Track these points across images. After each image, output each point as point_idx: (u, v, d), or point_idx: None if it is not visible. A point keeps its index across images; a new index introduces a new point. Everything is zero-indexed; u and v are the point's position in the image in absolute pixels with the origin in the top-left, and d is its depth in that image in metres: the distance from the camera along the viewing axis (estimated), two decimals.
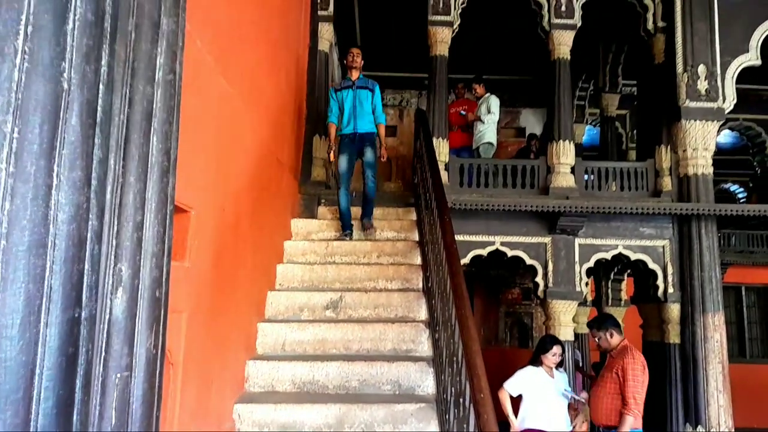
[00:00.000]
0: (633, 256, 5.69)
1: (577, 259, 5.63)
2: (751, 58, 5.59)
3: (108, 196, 1.11)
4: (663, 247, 5.68)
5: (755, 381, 10.72)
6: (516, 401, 4.31)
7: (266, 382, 3.22)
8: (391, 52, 8.67)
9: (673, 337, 5.59)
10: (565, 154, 5.65)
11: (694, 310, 5.42)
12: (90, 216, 1.02)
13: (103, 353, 1.14)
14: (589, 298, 8.12)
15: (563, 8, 5.79)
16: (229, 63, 2.94)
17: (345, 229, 4.66)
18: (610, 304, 8.13)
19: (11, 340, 0.86)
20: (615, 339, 4.06)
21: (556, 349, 4.31)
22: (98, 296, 1.07)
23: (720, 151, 7.31)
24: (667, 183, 5.72)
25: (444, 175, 5.37)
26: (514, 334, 10.06)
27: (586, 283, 5.79)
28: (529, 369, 4.33)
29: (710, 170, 5.60)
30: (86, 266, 1.01)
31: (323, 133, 5.64)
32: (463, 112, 6.68)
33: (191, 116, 2.16)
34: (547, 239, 5.63)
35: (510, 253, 5.65)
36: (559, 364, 4.42)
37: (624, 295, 8.17)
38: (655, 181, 5.81)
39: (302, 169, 5.48)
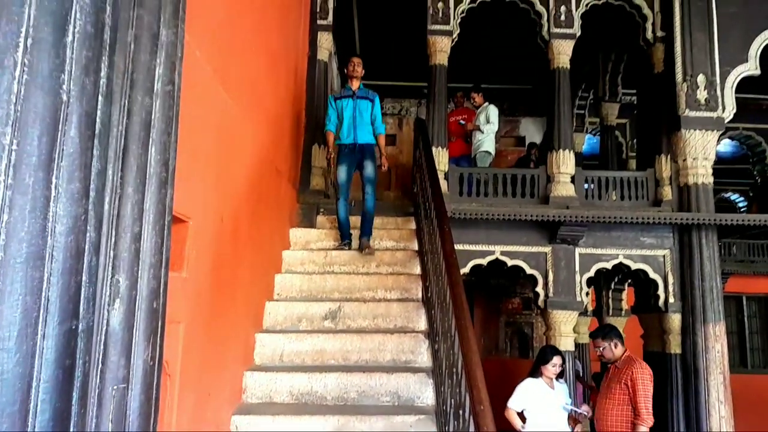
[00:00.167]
0: (633, 266, 5.68)
1: (577, 268, 5.62)
2: (750, 67, 5.61)
3: (106, 207, 1.11)
4: (663, 256, 5.67)
5: (757, 391, 10.66)
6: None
7: (264, 394, 3.21)
8: (391, 61, 8.71)
9: (674, 347, 5.57)
10: (565, 163, 5.65)
11: (695, 320, 5.41)
12: (88, 227, 1.01)
13: (100, 365, 1.14)
14: (590, 308, 8.09)
15: (563, 18, 5.83)
16: (228, 73, 2.95)
17: (344, 238, 4.66)
18: (610, 314, 8.10)
19: (8, 353, 0.85)
20: (619, 349, 4.08)
21: (557, 359, 4.29)
22: (95, 308, 1.07)
23: (720, 160, 7.32)
24: (668, 192, 5.72)
25: (443, 185, 5.37)
26: (514, 344, 10.01)
27: (587, 293, 5.77)
28: (529, 381, 4.30)
29: (710, 179, 5.61)
30: (84, 278, 1.01)
31: (322, 142, 5.65)
32: (462, 122, 6.70)
33: (190, 126, 2.16)
34: (547, 249, 5.63)
35: (510, 262, 5.64)
36: (560, 375, 4.40)
37: (625, 305, 8.14)
38: (656, 191, 5.81)
39: (301, 179, 5.48)
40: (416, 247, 4.65)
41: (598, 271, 5.82)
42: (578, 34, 5.84)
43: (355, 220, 4.74)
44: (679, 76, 5.60)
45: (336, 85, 7.65)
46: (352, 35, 7.90)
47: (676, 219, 5.40)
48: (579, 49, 5.99)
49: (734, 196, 14.00)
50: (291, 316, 3.81)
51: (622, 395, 3.89)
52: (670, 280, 5.60)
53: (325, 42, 5.96)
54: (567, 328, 5.55)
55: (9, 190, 0.87)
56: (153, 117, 1.26)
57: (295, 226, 5.02)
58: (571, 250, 5.63)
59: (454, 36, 5.88)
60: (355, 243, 4.63)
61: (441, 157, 5.60)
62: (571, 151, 5.74)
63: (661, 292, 5.62)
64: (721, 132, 5.62)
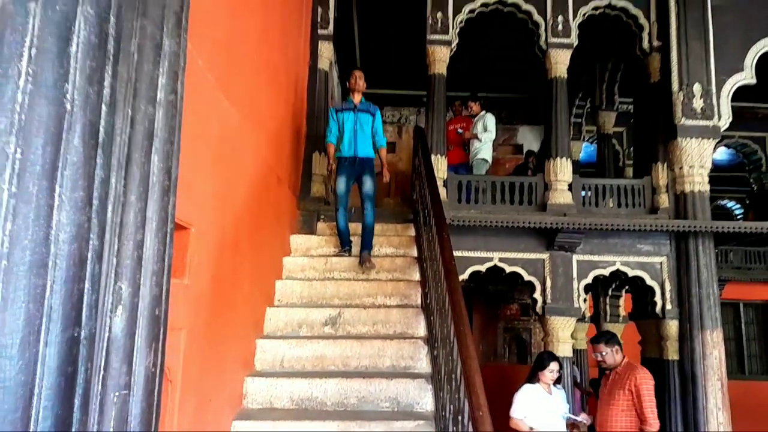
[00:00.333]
0: (631, 273, 5.70)
1: (575, 275, 5.64)
2: (746, 76, 5.66)
3: (109, 215, 1.12)
4: (660, 263, 5.69)
5: (754, 398, 10.66)
6: None
7: (265, 399, 3.20)
8: (390, 70, 8.76)
9: (672, 353, 5.58)
10: (562, 171, 5.68)
11: (693, 327, 5.42)
12: (91, 236, 1.02)
13: (102, 372, 1.14)
14: (588, 315, 8.11)
15: (560, 27, 5.87)
16: (230, 81, 2.97)
17: (344, 245, 4.67)
18: (608, 320, 8.12)
19: (11, 360, 0.86)
20: (619, 356, 4.12)
21: (554, 365, 4.29)
22: (98, 315, 1.08)
23: (716, 168, 7.37)
24: (664, 200, 5.75)
25: (442, 192, 5.39)
26: (512, 350, 10.01)
27: (584, 300, 5.80)
28: (527, 387, 4.29)
29: (707, 187, 5.64)
30: (86, 285, 1.01)
31: (322, 149, 5.68)
32: (460, 131, 6.74)
33: (192, 134, 2.18)
34: (545, 255, 5.64)
35: (508, 269, 5.66)
36: (557, 381, 4.40)
37: (622, 312, 8.16)
38: (652, 198, 5.84)
39: (302, 186, 5.50)
40: (415, 254, 4.66)
41: (596, 278, 5.84)
42: (575, 43, 5.89)
43: (355, 227, 4.75)
44: (675, 86, 5.64)
45: (337, 94, 7.69)
46: (352, 45, 7.95)
47: (672, 226, 5.43)
48: (576, 58, 6.04)
49: (731, 204, 14.04)
50: (291, 322, 3.82)
51: (626, 401, 3.92)
52: (668, 286, 5.62)
53: (326, 51, 6.00)
54: (565, 334, 5.56)
55: (13, 199, 0.88)
56: (156, 126, 1.27)
57: (295, 232, 5.03)
58: (569, 257, 5.65)
59: (452, 46, 5.92)
60: (355, 250, 4.64)
61: (440, 165, 5.63)
62: (569, 159, 5.77)
63: (658, 298, 5.64)
64: (717, 140, 5.66)
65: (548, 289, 5.60)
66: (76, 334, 0.98)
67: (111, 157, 1.12)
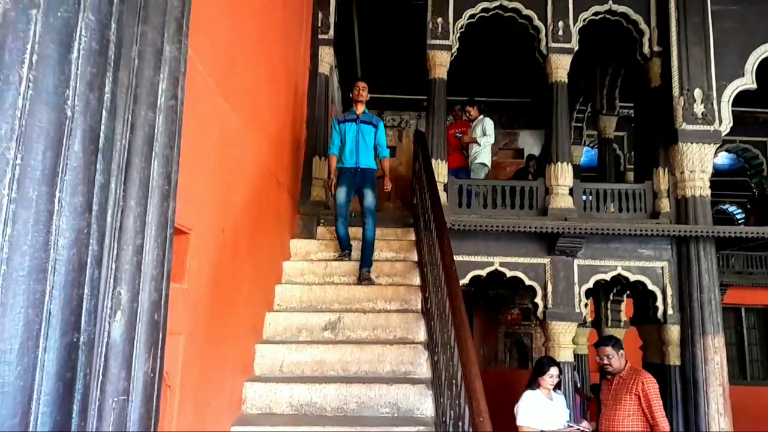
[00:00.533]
0: (632, 278, 5.70)
1: (576, 280, 5.63)
2: (746, 81, 5.66)
3: (109, 220, 1.12)
4: (662, 268, 5.68)
5: (756, 403, 10.62)
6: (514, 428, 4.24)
7: (264, 404, 3.20)
8: (391, 75, 8.78)
9: (673, 358, 5.56)
10: (563, 175, 5.68)
11: (694, 332, 5.41)
12: (90, 241, 1.02)
13: (101, 377, 1.14)
14: (589, 320, 8.08)
15: (560, 33, 5.88)
16: (230, 86, 2.98)
17: (344, 249, 4.66)
18: (609, 325, 8.09)
19: (9, 366, 0.86)
20: (623, 360, 4.13)
21: (553, 370, 4.27)
22: (97, 320, 1.07)
23: (717, 172, 7.37)
24: (665, 204, 5.75)
25: (443, 196, 5.39)
26: (513, 355, 9.99)
27: (586, 304, 5.78)
28: (528, 394, 4.27)
29: (708, 192, 5.64)
30: (86, 291, 1.01)
31: (323, 154, 5.68)
32: (459, 135, 6.75)
33: (192, 138, 2.18)
34: (546, 260, 5.64)
35: (509, 273, 5.66)
36: (557, 386, 4.38)
37: (623, 317, 8.14)
38: (653, 203, 5.84)
39: (301, 190, 5.50)
40: (416, 258, 4.65)
41: (597, 283, 5.83)
42: (576, 48, 5.89)
43: (355, 231, 4.75)
44: (675, 90, 5.65)
45: (337, 98, 7.70)
46: (353, 49, 7.97)
47: (674, 231, 5.42)
48: (577, 63, 6.05)
49: (732, 208, 14.03)
50: (291, 327, 3.81)
51: (633, 405, 3.93)
52: (669, 291, 5.61)
53: (326, 56, 6.01)
54: (566, 339, 5.55)
55: (13, 204, 0.88)
56: (156, 131, 1.28)
57: (295, 236, 5.03)
58: (570, 262, 5.64)
59: (453, 50, 5.93)
60: (355, 254, 4.63)
61: (440, 169, 5.63)
62: (569, 164, 5.77)
63: (659, 303, 5.63)
64: (718, 145, 5.66)
65: (549, 294, 5.59)
66: (75, 340, 0.98)
67: (111, 162, 1.12)
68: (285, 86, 4.78)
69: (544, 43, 5.91)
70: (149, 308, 1.26)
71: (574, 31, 5.89)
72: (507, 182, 6.37)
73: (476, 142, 6.40)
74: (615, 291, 7.90)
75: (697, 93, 5.59)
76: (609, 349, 4.13)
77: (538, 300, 5.62)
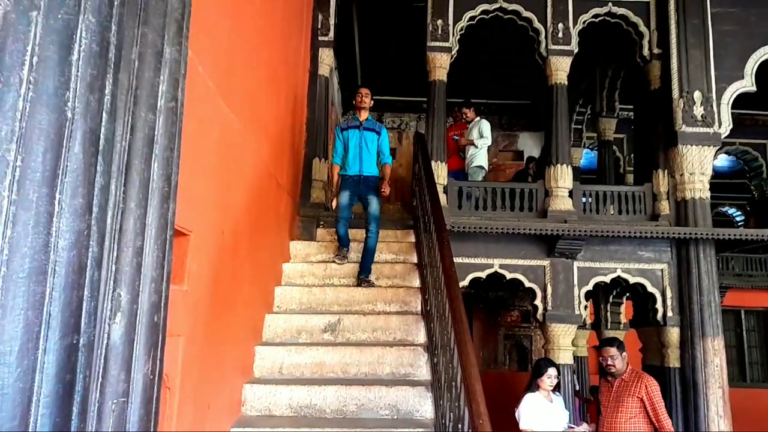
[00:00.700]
0: (632, 280, 5.69)
1: (575, 282, 5.63)
2: (746, 84, 5.67)
3: (109, 222, 1.12)
4: (661, 270, 5.68)
5: (756, 405, 10.61)
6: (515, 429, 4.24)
7: (263, 406, 3.19)
8: (391, 76, 8.79)
9: (673, 361, 5.56)
10: (562, 177, 5.69)
11: (694, 334, 5.41)
12: (90, 243, 1.02)
13: (100, 379, 1.14)
14: (588, 322, 8.08)
15: (560, 35, 5.89)
16: (230, 88, 2.98)
17: (342, 246, 4.62)
18: (609, 327, 8.09)
19: (9, 367, 0.86)
20: (625, 362, 4.15)
21: (552, 371, 4.26)
22: (97, 322, 1.07)
23: (717, 174, 7.37)
24: (665, 207, 5.75)
25: (442, 198, 5.39)
26: (513, 357, 9.99)
27: (585, 307, 5.78)
28: (528, 397, 4.27)
29: (707, 194, 5.64)
30: (86, 292, 1.01)
31: (323, 155, 5.68)
32: (456, 137, 6.74)
33: (192, 140, 2.18)
34: (545, 262, 5.64)
35: (509, 275, 5.65)
36: (556, 387, 4.38)
37: (623, 319, 8.14)
38: (653, 205, 5.84)
39: (301, 192, 5.50)
40: (415, 260, 4.65)
41: (597, 285, 5.83)
42: (576, 50, 5.90)
43: (355, 233, 4.75)
44: (675, 93, 5.66)
45: (337, 100, 7.71)
46: (353, 51, 7.98)
47: (673, 233, 5.43)
48: (576, 65, 6.05)
49: (731, 211, 14.03)
50: (290, 329, 3.81)
51: (635, 408, 3.95)
52: (669, 294, 5.61)
53: (327, 58, 6.01)
54: (566, 341, 5.55)
55: (13, 206, 0.88)
56: (156, 133, 1.28)
57: (295, 238, 5.03)
58: (570, 264, 5.64)
59: (453, 53, 5.94)
60: (355, 256, 4.62)
61: (440, 171, 5.63)
62: (569, 166, 5.77)
63: (659, 305, 5.63)
64: (717, 147, 5.66)
65: (549, 296, 5.59)
66: (74, 342, 0.98)
67: (111, 164, 1.12)
68: (285, 88, 4.78)
69: (543, 45, 5.92)
70: (149, 310, 1.26)
71: (574, 33, 5.90)
72: (507, 184, 6.37)
73: (473, 144, 6.40)
74: (615, 293, 7.90)
75: (697, 95, 5.60)
76: (613, 350, 4.13)
77: (538, 302, 5.62)
